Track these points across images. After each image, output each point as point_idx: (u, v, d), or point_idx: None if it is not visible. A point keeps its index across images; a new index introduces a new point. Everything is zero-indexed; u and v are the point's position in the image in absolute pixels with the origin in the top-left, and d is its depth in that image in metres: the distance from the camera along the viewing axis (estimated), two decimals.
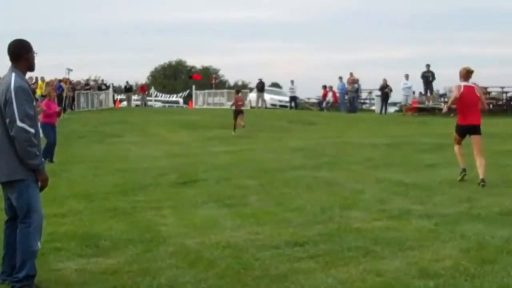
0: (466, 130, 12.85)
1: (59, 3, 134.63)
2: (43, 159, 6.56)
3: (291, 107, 46.38)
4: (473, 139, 12.71)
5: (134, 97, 58.58)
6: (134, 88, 63.34)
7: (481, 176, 12.20)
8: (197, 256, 7.58)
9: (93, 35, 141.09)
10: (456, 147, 13.10)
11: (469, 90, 12.76)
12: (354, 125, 30.35)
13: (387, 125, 30.16)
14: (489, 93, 37.99)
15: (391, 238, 8.08)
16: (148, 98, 59.09)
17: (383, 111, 39.30)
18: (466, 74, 12.95)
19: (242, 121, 29.01)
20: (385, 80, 39.87)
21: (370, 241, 7.97)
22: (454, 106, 13.23)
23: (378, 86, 40.84)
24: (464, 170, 12.69)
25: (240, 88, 46.07)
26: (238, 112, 29.17)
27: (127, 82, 56.82)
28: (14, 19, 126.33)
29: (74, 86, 42.13)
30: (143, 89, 56.89)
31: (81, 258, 7.66)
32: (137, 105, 55.93)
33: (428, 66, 38.27)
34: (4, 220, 6.68)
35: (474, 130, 12.71)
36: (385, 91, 39.59)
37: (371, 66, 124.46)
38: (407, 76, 38.62)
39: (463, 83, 12.88)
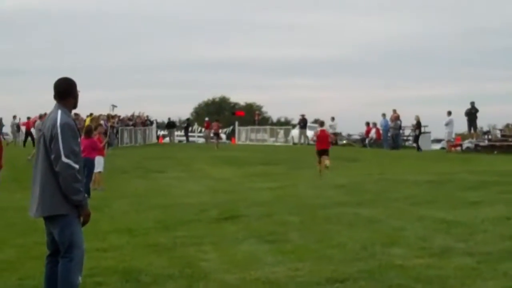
0: (320, 152, 23.52)
1: (102, 41, 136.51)
2: (86, 195, 6.66)
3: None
4: (323, 157, 23.28)
5: (177, 132, 58.98)
6: (177, 124, 63.85)
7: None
8: None
9: (136, 71, 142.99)
10: (318, 164, 23.61)
11: (322, 132, 24.40)
12: (397, 162, 30.17)
13: (430, 162, 29.91)
14: None
15: (432, 276, 8.00)
16: (190, 134, 59.48)
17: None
18: (320, 123, 25.99)
19: (217, 142, 45.59)
20: (417, 117, 40.07)
21: (412, 279, 7.89)
22: (315, 139, 26.00)
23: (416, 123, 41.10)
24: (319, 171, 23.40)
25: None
26: (215, 134, 46.99)
27: (169, 119, 57.35)
28: (60, 57, 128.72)
29: (115, 122, 42.49)
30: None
31: None
32: (179, 141, 56.29)
33: (472, 103, 37.99)
34: (45, 254, 6.76)
35: (324, 152, 23.43)
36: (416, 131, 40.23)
37: (414, 103, 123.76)
38: (449, 113, 38.35)
39: (320, 128, 24.85)
